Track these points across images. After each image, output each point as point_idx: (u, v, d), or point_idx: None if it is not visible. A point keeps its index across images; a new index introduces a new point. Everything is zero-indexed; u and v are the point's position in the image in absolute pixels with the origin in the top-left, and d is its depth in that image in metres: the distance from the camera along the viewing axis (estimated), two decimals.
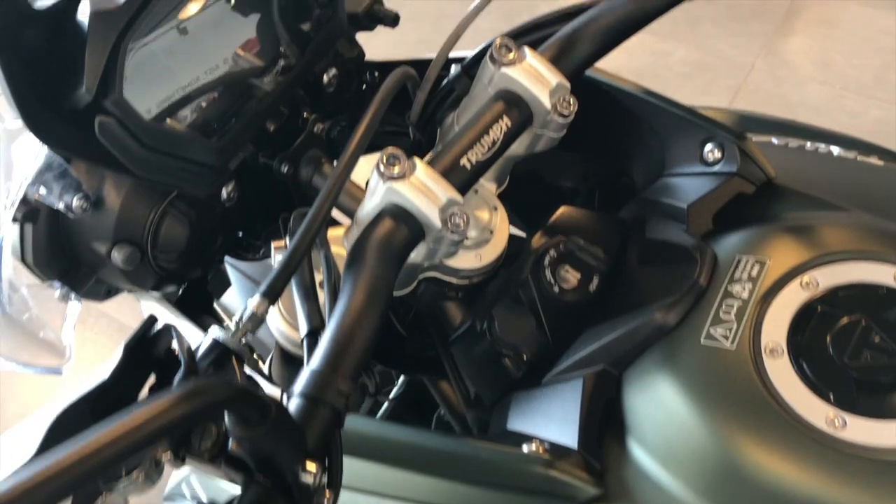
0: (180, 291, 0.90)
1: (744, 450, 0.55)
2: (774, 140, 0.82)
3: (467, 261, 0.72)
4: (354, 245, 0.60)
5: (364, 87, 0.92)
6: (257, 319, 0.56)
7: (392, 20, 0.91)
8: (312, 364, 0.51)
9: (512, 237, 0.78)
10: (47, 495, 0.35)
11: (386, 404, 0.97)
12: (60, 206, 0.76)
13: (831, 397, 0.56)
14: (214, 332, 0.56)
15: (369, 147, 0.94)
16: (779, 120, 0.90)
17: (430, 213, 0.61)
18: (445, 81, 0.79)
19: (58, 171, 0.76)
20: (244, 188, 0.80)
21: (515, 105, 0.67)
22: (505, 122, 0.66)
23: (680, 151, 0.75)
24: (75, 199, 0.76)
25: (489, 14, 0.76)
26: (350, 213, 0.83)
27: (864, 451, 0.53)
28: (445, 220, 0.61)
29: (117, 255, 0.77)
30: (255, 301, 0.56)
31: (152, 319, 0.57)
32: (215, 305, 0.92)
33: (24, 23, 0.63)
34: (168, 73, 0.73)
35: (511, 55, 0.67)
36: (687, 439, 0.57)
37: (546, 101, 0.67)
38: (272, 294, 0.57)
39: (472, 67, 0.78)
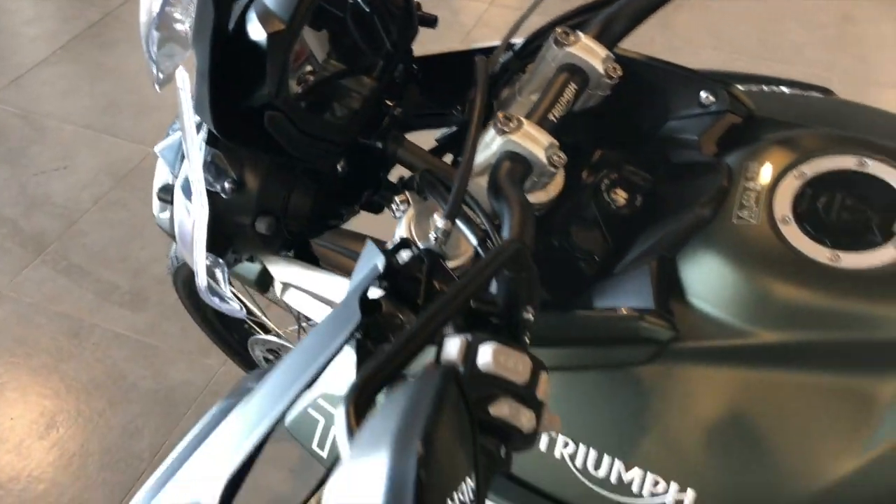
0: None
1: (774, 285, 0.81)
2: (740, 87, 1.10)
3: (541, 196, 0.97)
4: (491, 180, 0.84)
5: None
6: (446, 234, 0.78)
7: (432, 22, 1.13)
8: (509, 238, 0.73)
9: None
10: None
11: None
12: (218, 188, 0.96)
13: (828, 243, 0.82)
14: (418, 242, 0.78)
15: (411, 126, 1.17)
16: (738, 73, 1.18)
17: (538, 153, 0.85)
18: (499, 66, 1.02)
19: (213, 162, 0.97)
20: (350, 162, 1.02)
21: (578, 73, 0.92)
22: (573, 87, 0.91)
23: (680, 100, 1.01)
24: (226, 182, 0.96)
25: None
26: None
27: (854, 273, 0.80)
28: (549, 157, 0.85)
29: (261, 224, 0.98)
30: (441, 221, 0.79)
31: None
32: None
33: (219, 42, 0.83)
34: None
35: (571, 38, 0.92)
36: (735, 287, 0.82)
37: (600, 68, 0.91)
38: (452, 215, 0.79)
39: (521, 51, 1.02)
